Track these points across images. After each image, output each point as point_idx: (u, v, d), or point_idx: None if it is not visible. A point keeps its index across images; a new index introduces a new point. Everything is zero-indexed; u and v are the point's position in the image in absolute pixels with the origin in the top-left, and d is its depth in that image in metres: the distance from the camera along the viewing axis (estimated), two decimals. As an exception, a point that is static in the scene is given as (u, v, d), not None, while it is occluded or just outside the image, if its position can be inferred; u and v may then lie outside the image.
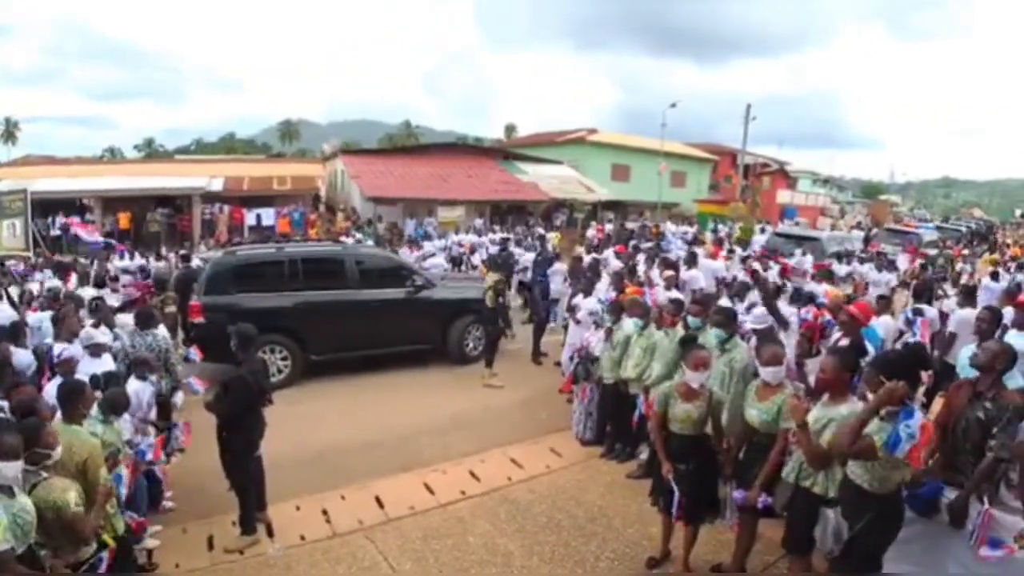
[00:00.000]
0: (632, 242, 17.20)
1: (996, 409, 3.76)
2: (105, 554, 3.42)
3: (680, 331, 6.03)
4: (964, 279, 14.11)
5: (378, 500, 5.77)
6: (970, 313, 6.62)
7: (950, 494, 3.68)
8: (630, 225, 25.34)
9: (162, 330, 6.68)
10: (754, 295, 9.06)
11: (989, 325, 5.48)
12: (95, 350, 5.89)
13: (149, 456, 4.73)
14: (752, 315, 6.56)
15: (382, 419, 7.70)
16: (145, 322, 6.58)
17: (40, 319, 7.45)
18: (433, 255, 15.48)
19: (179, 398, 6.26)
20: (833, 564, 3.54)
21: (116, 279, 11.29)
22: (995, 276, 12.65)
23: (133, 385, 5.31)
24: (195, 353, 7.00)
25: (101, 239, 19.82)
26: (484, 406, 8.24)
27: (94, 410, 4.26)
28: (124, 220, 22.94)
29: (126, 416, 4.78)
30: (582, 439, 7.12)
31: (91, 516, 3.33)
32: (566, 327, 9.01)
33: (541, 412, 8.00)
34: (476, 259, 16.23)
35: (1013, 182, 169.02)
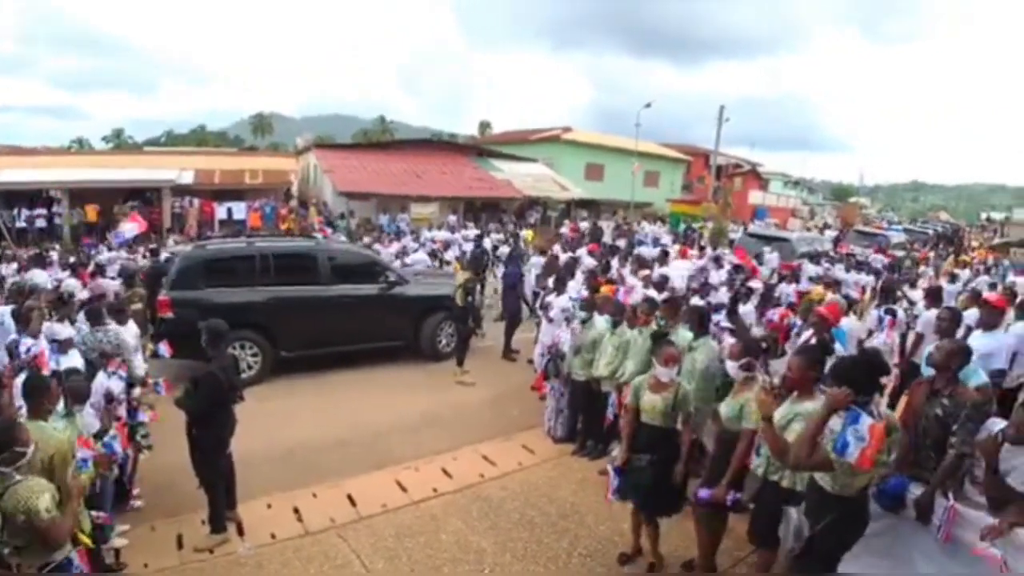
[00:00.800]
0: (604, 240, 17.34)
1: (953, 406, 3.87)
2: (75, 554, 3.34)
3: (652, 329, 6.09)
4: (925, 281, 14.46)
5: (350, 498, 5.74)
6: (935, 314, 6.77)
7: (916, 490, 3.77)
8: (602, 223, 25.59)
9: (115, 327, 6.54)
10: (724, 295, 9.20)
11: (949, 324, 5.61)
12: (62, 346, 5.76)
13: (117, 448, 4.61)
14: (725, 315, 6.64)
15: (354, 416, 7.66)
16: (96, 318, 6.48)
17: (2, 313, 7.27)
18: (416, 251, 15.38)
19: (136, 393, 6.07)
20: (792, 563, 3.58)
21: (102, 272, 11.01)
22: (952, 278, 13.11)
23: (100, 379, 5.21)
24: (164, 349, 6.89)
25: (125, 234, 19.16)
26: (456, 403, 8.23)
27: (60, 406, 4.17)
28: (92, 213, 22.44)
29: (90, 410, 4.70)
30: (554, 436, 7.16)
31: (65, 518, 3.25)
32: (539, 324, 9.03)
33: (513, 409, 8.02)
34: (449, 255, 16.17)
35: (980, 187, 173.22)
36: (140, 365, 6.68)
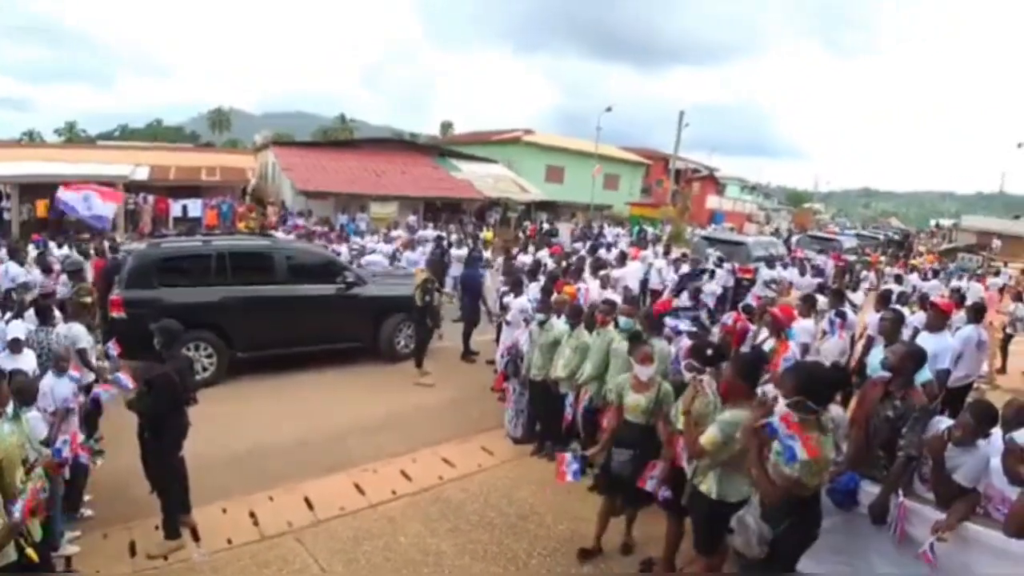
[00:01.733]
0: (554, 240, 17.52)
1: (904, 408, 3.99)
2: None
3: (611, 331, 6.15)
4: (866, 284, 14.98)
5: (307, 501, 5.67)
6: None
7: (868, 487, 3.87)
8: (560, 225, 26.08)
9: (63, 327, 6.30)
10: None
11: (892, 326, 5.79)
12: (13, 346, 5.53)
13: (65, 453, 4.44)
14: (683, 317, 6.73)
15: (311, 419, 7.57)
16: (45, 317, 6.30)
17: None
18: (373, 252, 15.21)
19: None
20: (760, 565, 3.56)
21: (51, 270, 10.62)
22: (899, 279, 13.72)
23: (47, 381, 5.05)
24: (113, 348, 6.70)
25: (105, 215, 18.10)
26: (415, 405, 8.20)
27: (9, 408, 4.01)
28: (41, 208, 21.68)
29: (36, 414, 4.54)
30: (513, 437, 7.18)
31: (9, 522, 3.15)
32: (499, 326, 9.04)
33: (473, 411, 8.02)
34: (415, 256, 15.94)
35: (929, 194, 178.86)
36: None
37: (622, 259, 12.96)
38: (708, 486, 3.78)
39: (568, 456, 5.03)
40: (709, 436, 3.67)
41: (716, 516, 3.85)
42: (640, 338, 5.30)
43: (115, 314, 8.04)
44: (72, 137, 70.32)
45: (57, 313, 6.62)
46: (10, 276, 9.90)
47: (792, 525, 3.39)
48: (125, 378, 5.65)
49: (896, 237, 35.41)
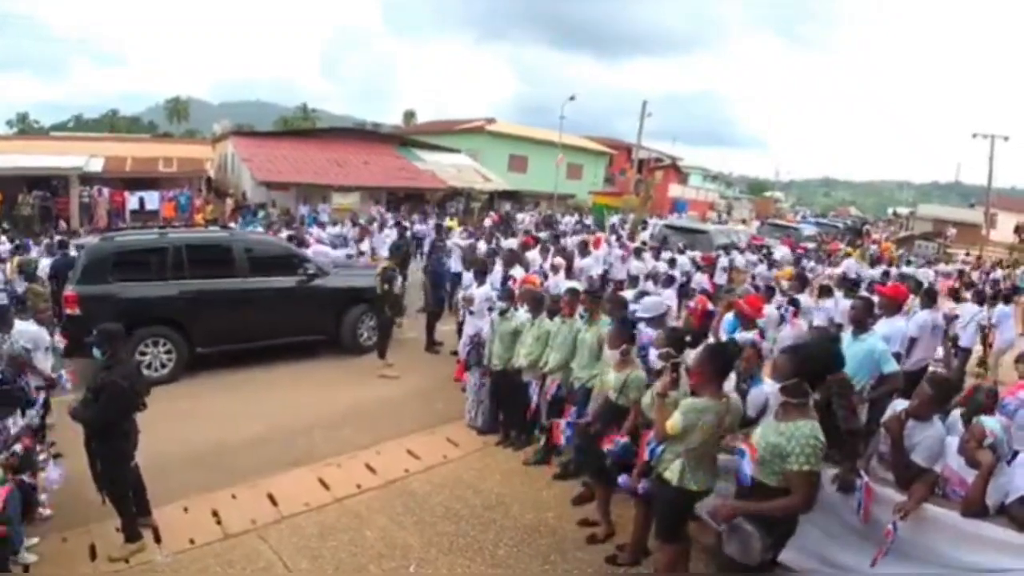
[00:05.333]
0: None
1: (823, 388, 3.97)
2: None
3: (577, 320, 6.17)
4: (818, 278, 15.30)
5: (271, 498, 5.59)
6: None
7: (827, 469, 3.90)
8: (524, 215, 26.35)
9: (21, 326, 6.10)
10: (650, 284, 9.43)
11: (862, 312, 5.84)
12: None
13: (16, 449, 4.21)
14: (642, 304, 6.76)
15: (273, 414, 7.46)
16: (1, 322, 5.95)
17: None
18: (318, 241, 14.85)
19: (30, 416, 5.27)
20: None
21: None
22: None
23: None
24: (60, 341, 6.48)
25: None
26: (379, 397, 8.14)
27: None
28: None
29: None
30: (475, 427, 7.18)
31: None
32: (462, 316, 9.01)
33: (437, 402, 8.00)
34: (366, 246, 15.71)
35: (887, 183, 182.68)
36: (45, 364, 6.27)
37: (584, 248, 13.02)
38: (671, 473, 3.80)
39: (563, 423, 5.37)
40: (672, 421, 3.70)
41: (678, 504, 3.89)
42: (627, 332, 5.10)
43: (69, 311, 7.82)
44: (25, 128, 68.33)
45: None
46: None
47: (787, 525, 3.44)
48: (68, 376, 5.48)
49: (855, 225, 36.18)
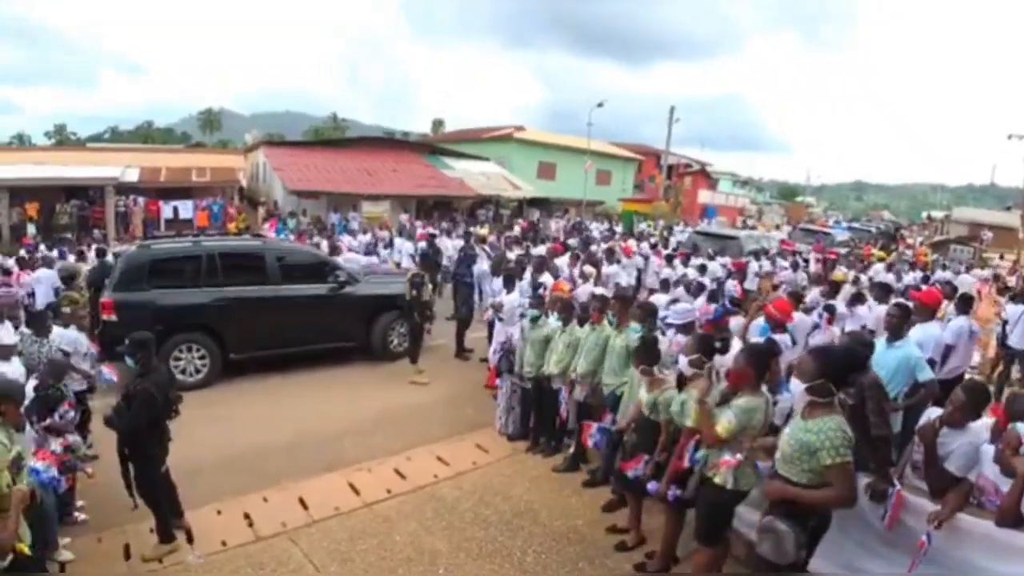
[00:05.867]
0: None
1: (857, 391, 3.96)
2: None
3: (607, 327, 6.15)
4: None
5: (302, 501, 5.65)
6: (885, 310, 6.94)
7: (861, 478, 3.87)
8: (550, 222, 26.41)
9: (58, 333, 6.16)
10: (679, 291, 9.37)
11: (899, 320, 5.72)
12: (2, 352, 5.35)
13: (44, 477, 4.24)
14: (672, 310, 6.73)
15: (305, 419, 7.54)
16: (39, 327, 6.05)
17: None
18: (351, 250, 15.01)
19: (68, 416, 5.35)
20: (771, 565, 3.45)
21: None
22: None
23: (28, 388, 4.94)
24: (93, 348, 6.59)
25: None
26: (409, 403, 8.18)
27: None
28: (32, 211, 21.61)
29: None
30: (506, 434, 7.18)
31: (6, 524, 3.12)
32: (491, 323, 9.03)
33: (467, 408, 8.01)
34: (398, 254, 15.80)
35: (921, 186, 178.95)
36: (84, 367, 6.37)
37: (610, 255, 12.99)
38: (723, 477, 3.78)
39: (594, 426, 5.32)
40: (725, 423, 3.68)
41: (725, 507, 3.91)
42: (649, 352, 5.09)
43: (106, 317, 8.00)
44: (62, 140, 69.96)
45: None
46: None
47: (823, 517, 3.41)
48: (108, 371, 5.57)
49: (888, 230, 35.57)
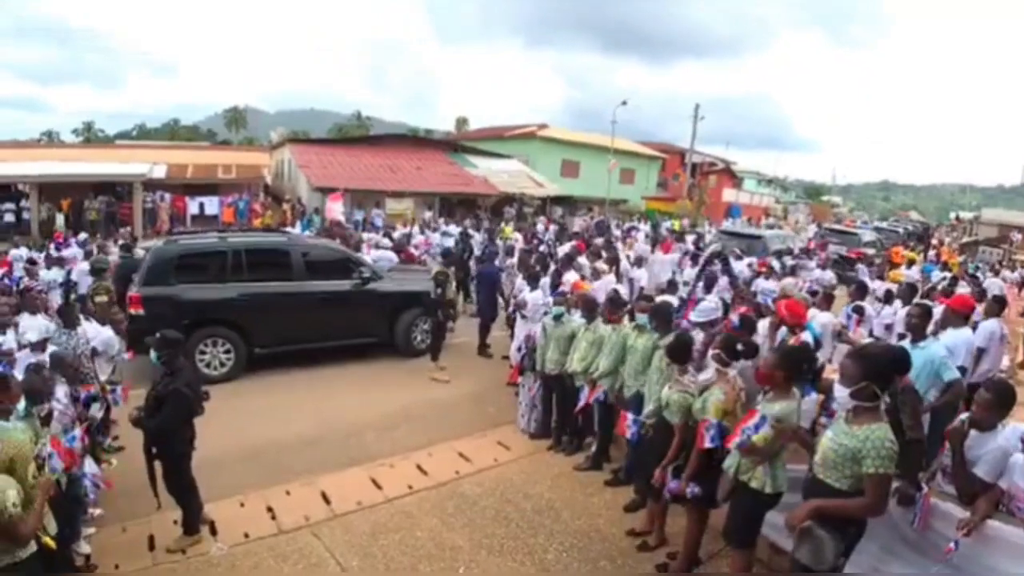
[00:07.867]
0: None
1: (890, 394, 3.88)
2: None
3: (627, 327, 6.10)
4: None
5: (324, 496, 5.69)
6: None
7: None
8: (577, 220, 26.17)
9: (92, 328, 6.29)
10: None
11: (920, 321, 5.64)
12: (37, 345, 5.43)
13: (58, 468, 4.26)
14: (696, 309, 6.64)
15: (328, 413, 7.60)
16: (68, 320, 6.08)
17: None
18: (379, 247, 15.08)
19: (94, 410, 5.53)
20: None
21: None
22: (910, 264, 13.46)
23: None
24: (126, 354, 6.67)
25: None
26: (431, 400, 8.20)
27: (21, 406, 3.99)
28: (64, 206, 21.98)
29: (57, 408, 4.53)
30: (528, 432, 7.17)
31: (31, 515, 3.16)
32: (514, 321, 9.01)
33: (489, 405, 8.02)
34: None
35: (949, 186, 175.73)
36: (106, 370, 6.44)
37: (638, 260, 12.88)
38: (760, 482, 3.76)
39: (630, 416, 5.19)
40: (763, 434, 3.64)
41: (762, 510, 3.89)
42: (683, 352, 4.95)
43: (133, 311, 8.10)
44: (90, 137, 70.95)
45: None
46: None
47: (861, 523, 3.38)
48: (121, 395, 5.63)
49: (916, 230, 35.00)
